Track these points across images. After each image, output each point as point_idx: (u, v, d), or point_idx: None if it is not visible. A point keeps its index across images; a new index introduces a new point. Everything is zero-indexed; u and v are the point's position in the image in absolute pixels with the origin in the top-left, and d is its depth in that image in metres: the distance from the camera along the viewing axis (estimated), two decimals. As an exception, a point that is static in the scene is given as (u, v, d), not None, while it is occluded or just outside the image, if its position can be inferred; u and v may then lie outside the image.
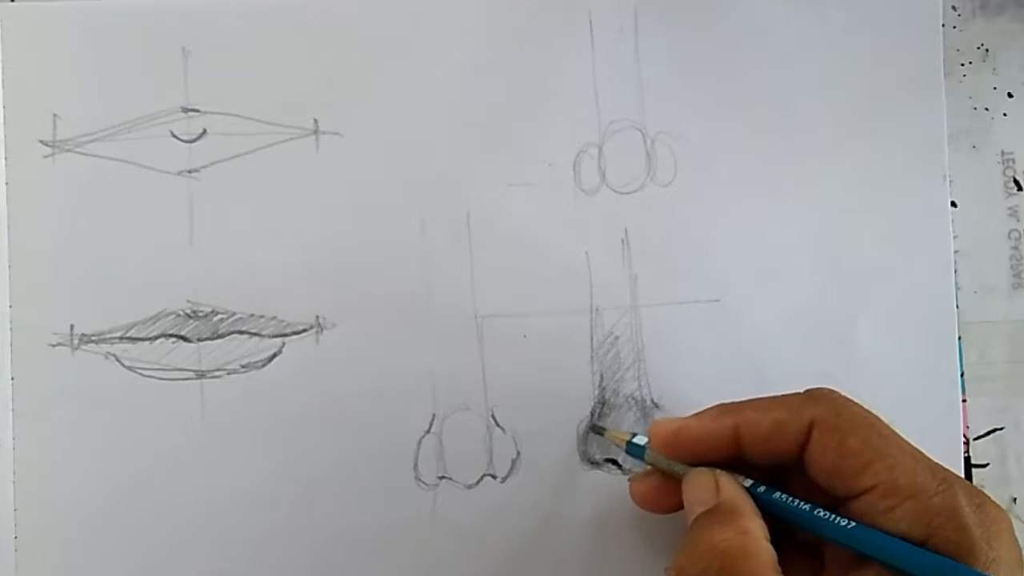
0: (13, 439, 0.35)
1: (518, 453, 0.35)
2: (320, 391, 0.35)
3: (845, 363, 0.36)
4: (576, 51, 0.36)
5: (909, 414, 0.36)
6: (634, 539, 0.35)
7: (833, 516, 0.28)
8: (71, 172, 0.35)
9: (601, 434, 0.34)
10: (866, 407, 0.29)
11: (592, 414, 0.35)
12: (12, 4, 0.36)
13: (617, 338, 0.36)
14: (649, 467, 0.32)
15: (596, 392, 0.36)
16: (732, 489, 0.29)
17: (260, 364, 0.35)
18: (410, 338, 0.35)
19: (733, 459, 0.30)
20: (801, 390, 0.30)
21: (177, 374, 0.35)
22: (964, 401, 0.36)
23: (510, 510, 0.35)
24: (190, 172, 0.36)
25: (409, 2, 0.36)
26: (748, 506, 0.28)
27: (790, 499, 0.29)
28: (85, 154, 0.35)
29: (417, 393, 0.35)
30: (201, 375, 0.35)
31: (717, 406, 0.31)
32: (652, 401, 0.36)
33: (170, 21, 0.36)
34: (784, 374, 0.36)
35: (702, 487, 0.29)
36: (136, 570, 0.35)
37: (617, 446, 0.33)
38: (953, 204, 0.37)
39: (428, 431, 0.35)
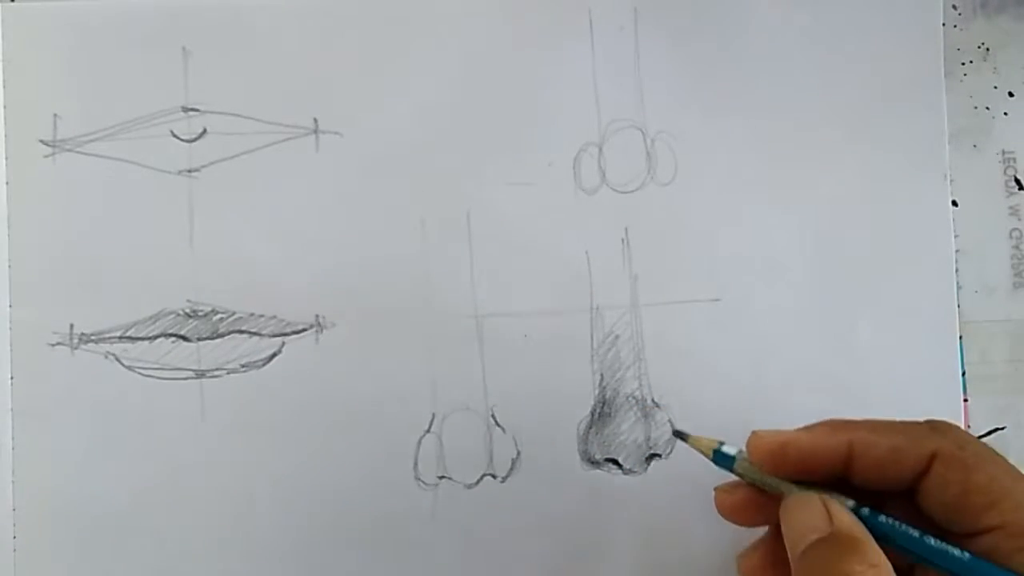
0: (13, 439, 0.35)
1: (518, 453, 0.35)
2: (320, 391, 0.35)
3: (846, 362, 0.36)
4: (576, 51, 0.36)
5: (910, 414, 0.35)
6: (634, 538, 0.35)
7: (947, 546, 0.26)
8: (71, 172, 0.35)
9: (684, 439, 0.31)
10: (987, 444, 0.28)
11: (592, 413, 0.35)
12: (12, 4, 0.36)
13: (617, 337, 0.36)
14: (737, 478, 0.30)
15: (596, 392, 0.36)
16: (847, 517, 0.27)
17: (260, 363, 0.35)
18: (410, 337, 0.35)
19: (837, 479, 0.28)
20: (920, 420, 0.29)
21: (177, 373, 0.35)
22: (965, 401, 0.36)
23: (510, 510, 0.35)
24: (190, 172, 0.36)
25: (409, 2, 0.36)
26: (868, 536, 0.26)
27: (899, 524, 0.27)
28: (85, 154, 0.35)
29: (417, 392, 0.35)
30: (201, 374, 0.35)
31: (827, 422, 0.29)
32: (652, 401, 0.36)
33: (170, 21, 0.36)
34: (784, 374, 0.36)
35: (812, 512, 0.27)
36: (135, 569, 0.35)
37: (701, 453, 0.31)
38: (954, 203, 0.37)
39: (428, 431, 0.35)
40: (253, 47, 0.36)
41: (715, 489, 0.31)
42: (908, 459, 0.27)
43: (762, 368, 0.36)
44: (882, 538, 0.27)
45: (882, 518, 0.27)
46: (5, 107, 0.35)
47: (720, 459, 0.30)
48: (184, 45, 0.36)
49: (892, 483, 0.28)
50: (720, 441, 0.30)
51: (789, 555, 0.27)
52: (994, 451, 0.28)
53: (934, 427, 0.28)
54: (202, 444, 0.35)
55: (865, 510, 0.28)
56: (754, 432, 0.29)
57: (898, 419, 0.29)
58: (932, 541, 0.27)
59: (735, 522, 0.30)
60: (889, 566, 0.25)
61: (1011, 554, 0.26)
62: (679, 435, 0.32)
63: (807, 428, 0.29)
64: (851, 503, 0.28)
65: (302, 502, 0.35)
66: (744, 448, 0.29)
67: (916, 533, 0.27)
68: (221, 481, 0.35)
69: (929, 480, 0.27)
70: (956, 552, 0.26)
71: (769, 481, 0.29)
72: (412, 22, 0.36)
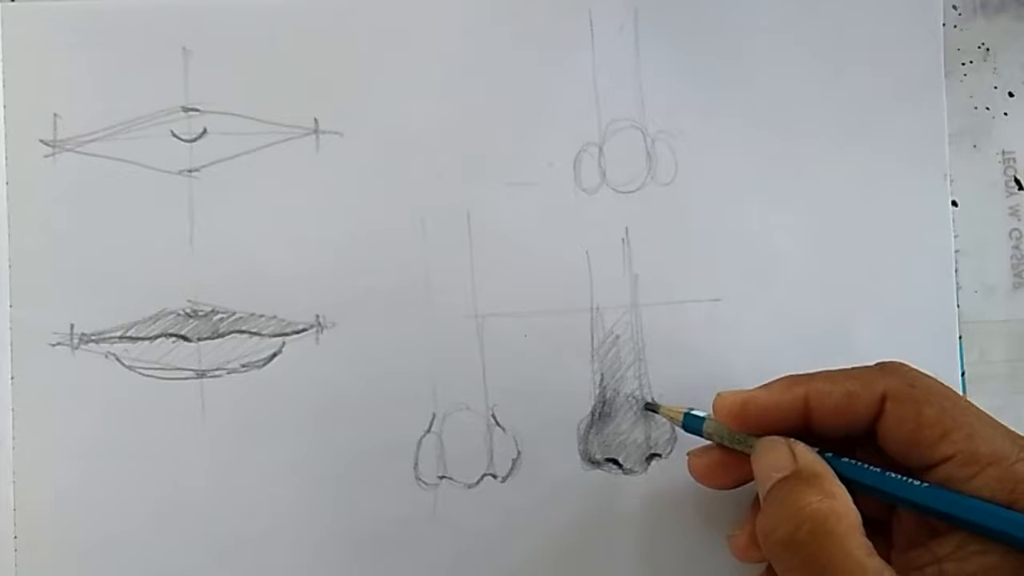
0: (13, 439, 0.35)
1: (518, 453, 0.35)
2: (320, 390, 0.35)
3: (845, 362, 0.35)
4: (576, 50, 0.36)
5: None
6: (634, 538, 0.35)
7: (907, 479, 0.28)
8: (71, 172, 0.35)
9: (656, 411, 0.34)
10: (936, 378, 0.29)
11: (592, 413, 0.35)
12: (12, 4, 0.36)
13: (618, 337, 0.36)
14: (708, 442, 0.32)
15: (596, 391, 0.36)
16: (810, 455, 0.29)
17: (260, 363, 0.35)
18: (410, 337, 0.35)
19: (799, 431, 0.30)
20: (871, 363, 0.30)
21: (177, 373, 0.35)
22: (965, 400, 0.36)
23: (510, 510, 0.35)
24: (190, 171, 0.36)
25: (409, 2, 0.36)
26: (829, 471, 0.28)
27: (861, 464, 0.29)
28: (85, 154, 0.35)
29: (417, 392, 0.35)
30: (201, 374, 0.35)
31: (785, 377, 0.31)
32: (653, 400, 0.36)
33: (170, 21, 0.36)
34: (784, 373, 0.35)
35: (777, 454, 0.29)
36: (136, 570, 0.35)
37: (671, 420, 0.33)
38: (954, 203, 0.37)
39: (428, 430, 0.35)
40: (253, 47, 0.36)
41: (687, 454, 0.33)
42: (861, 402, 0.29)
43: (762, 368, 0.35)
44: (848, 481, 0.28)
45: (844, 460, 0.29)
46: (5, 107, 0.35)
47: (690, 422, 0.32)
48: (184, 45, 0.36)
49: (850, 427, 0.29)
50: (689, 407, 0.33)
51: (760, 498, 0.29)
52: (944, 385, 0.29)
53: (884, 368, 0.30)
54: (202, 444, 0.35)
55: (828, 454, 0.29)
56: (718, 393, 0.31)
57: (851, 367, 0.30)
58: (893, 475, 0.28)
59: (708, 484, 0.32)
60: (847, 496, 0.27)
61: (966, 480, 0.27)
62: (650, 407, 0.34)
63: (766, 385, 0.31)
64: (815, 450, 0.29)
65: (302, 502, 0.35)
66: (711, 412, 0.31)
67: (877, 470, 0.28)
68: (221, 481, 0.35)
69: (884, 420, 0.29)
70: (916, 483, 0.28)
71: (737, 437, 0.31)
72: (412, 22, 0.36)
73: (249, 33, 0.36)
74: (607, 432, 0.35)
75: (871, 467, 0.29)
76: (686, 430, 0.33)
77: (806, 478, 0.28)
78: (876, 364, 0.30)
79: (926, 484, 0.28)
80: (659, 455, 0.36)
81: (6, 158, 0.35)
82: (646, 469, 0.35)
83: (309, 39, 0.36)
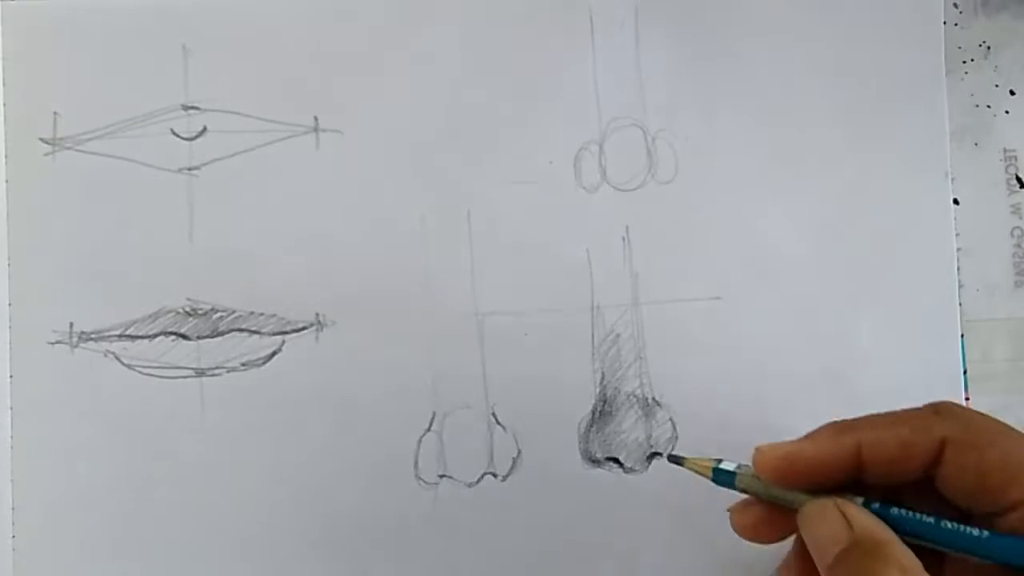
0: (12, 437, 0.35)
1: (519, 451, 0.35)
2: (320, 389, 0.35)
3: (847, 361, 0.36)
4: (577, 48, 0.36)
5: (912, 412, 0.36)
6: (635, 537, 0.35)
7: (967, 529, 0.26)
8: (71, 170, 0.35)
9: (680, 464, 0.30)
10: (993, 417, 0.27)
11: (593, 412, 0.35)
12: (12, 3, 0.36)
13: (618, 336, 0.36)
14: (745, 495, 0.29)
15: (597, 390, 0.35)
16: (865, 519, 0.26)
17: (260, 362, 0.35)
18: (410, 336, 0.35)
19: (849, 481, 0.27)
20: (920, 405, 0.28)
21: (176, 372, 0.35)
22: (967, 399, 0.36)
23: (511, 509, 0.35)
24: (190, 170, 0.36)
25: (409, 1, 0.36)
26: (893, 536, 0.25)
27: (914, 515, 0.26)
28: (85, 152, 0.35)
29: (417, 391, 0.35)
30: (200, 373, 0.35)
31: (829, 426, 0.28)
32: (653, 399, 0.35)
33: (170, 19, 0.36)
34: (786, 372, 0.35)
35: (830, 524, 0.26)
36: (135, 569, 0.34)
37: (700, 474, 0.30)
38: (955, 202, 0.37)
39: (428, 429, 0.35)
40: (253, 45, 0.36)
41: (729, 510, 0.29)
42: (918, 451, 0.27)
43: (763, 366, 0.36)
44: (899, 531, 0.26)
45: (894, 511, 0.27)
46: (5, 105, 0.35)
47: (720, 477, 0.29)
48: (184, 43, 0.36)
49: (906, 476, 0.27)
50: (718, 459, 0.29)
51: (819, 569, 0.26)
52: (1004, 424, 0.27)
53: (938, 411, 0.27)
54: (202, 443, 0.35)
55: (876, 505, 0.27)
56: (757, 448, 0.28)
57: (900, 408, 0.28)
58: (948, 525, 0.26)
59: (755, 541, 0.29)
60: (920, 566, 0.24)
61: None
62: (674, 460, 0.31)
63: (810, 436, 0.28)
64: (860, 500, 0.27)
65: (302, 501, 0.35)
66: (743, 463, 0.29)
67: (931, 520, 0.26)
68: (221, 480, 0.35)
69: (943, 467, 0.27)
70: (974, 532, 0.26)
71: (777, 493, 0.28)
72: (412, 20, 0.36)
73: (249, 32, 0.36)
74: (608, 431, 0.35)
75: (923, 516, 0.26)
76: (717, 483, 0.29)
77: (869, 548, 0.25)
78: (928, 406, 0.28)
79: (986, 532, 0.25)
80: (660, 454, 0.35)
81: (6, 157, 0.35)
82: (647, 468, 0.35)
83: (309, 38, 0.36)
